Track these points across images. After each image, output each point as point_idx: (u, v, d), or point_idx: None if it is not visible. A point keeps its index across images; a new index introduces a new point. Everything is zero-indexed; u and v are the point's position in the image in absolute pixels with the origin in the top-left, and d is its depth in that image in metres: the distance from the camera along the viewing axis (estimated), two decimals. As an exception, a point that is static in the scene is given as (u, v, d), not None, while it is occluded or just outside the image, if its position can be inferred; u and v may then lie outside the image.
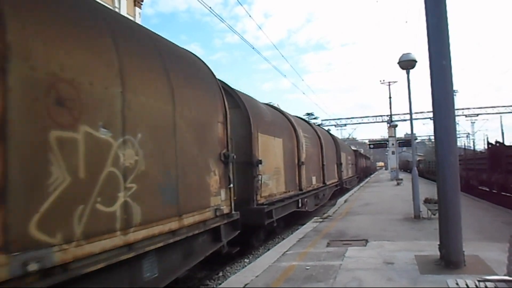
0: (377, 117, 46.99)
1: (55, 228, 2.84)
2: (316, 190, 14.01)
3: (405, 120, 42.23)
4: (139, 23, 24.50)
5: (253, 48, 16.40)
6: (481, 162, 15.33)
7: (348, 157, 25.95)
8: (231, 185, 6.13)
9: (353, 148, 36.49)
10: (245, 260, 7.83)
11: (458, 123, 49.09)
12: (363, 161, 44.74)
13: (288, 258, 6.37)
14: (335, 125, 48.79)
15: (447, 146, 5.45)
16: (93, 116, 3.31)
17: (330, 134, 22.77)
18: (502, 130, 64.26)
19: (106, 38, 3.75)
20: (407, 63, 10.48)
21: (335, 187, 18.46)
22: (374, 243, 7.14)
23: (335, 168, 19.13)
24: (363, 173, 43.02)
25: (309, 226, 9.70)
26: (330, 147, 18.44)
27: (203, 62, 6.35)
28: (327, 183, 16.11)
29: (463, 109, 45.62)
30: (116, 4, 22.03)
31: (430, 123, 40.31)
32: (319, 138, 15.84)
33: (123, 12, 22.41)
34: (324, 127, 34.34)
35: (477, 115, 46.56)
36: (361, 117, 48.52)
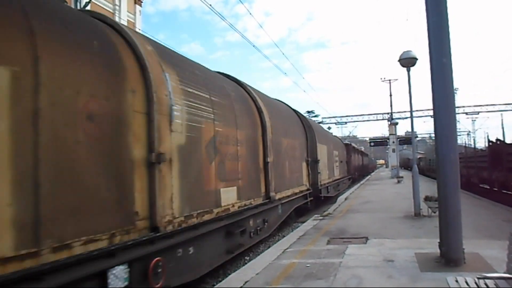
0: (378, 115, 47.08)
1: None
2: (239, 217, 6.76)
3: (405, 118, 42.15)
4: (139, 21, 24.49)
5: (253, 46, 16.34)
6: (482, 160, 15.32)
7: (335, 151, 19.18)
8: None
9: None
10: (246, 257, 7.84)
11: (458, 121, 48.96)
12: (358, 158, 35.67)
13: (289, 255, 6.39)
14: (335, 123, 48.88)
15: (447, 144, 5.46)
16: None
17: (296, 112, 13.86)
18: (503, 128, 64.00)
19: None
20: (407, 61, 10.52)
21: (302, 200, 11.69)
22: (375, 241, 7.16)
23: (302, 168, 12.13)
24: (359, 172, 35.07)
25: (309, 224, 9.71)
26: (293, 132, 11.46)
27: None
28: (279, 196, 9.25)
29: (464, 106, 45.66)
30: (117, 2, 21.99)
31: (431, 121, 40.17)
32: (258, 110, 8.53)
33: (124, 10, 22.38)
34: (324, 125, 33.88)
35: (478, 113, 46.51)
36: (361, 115, 48.65)
